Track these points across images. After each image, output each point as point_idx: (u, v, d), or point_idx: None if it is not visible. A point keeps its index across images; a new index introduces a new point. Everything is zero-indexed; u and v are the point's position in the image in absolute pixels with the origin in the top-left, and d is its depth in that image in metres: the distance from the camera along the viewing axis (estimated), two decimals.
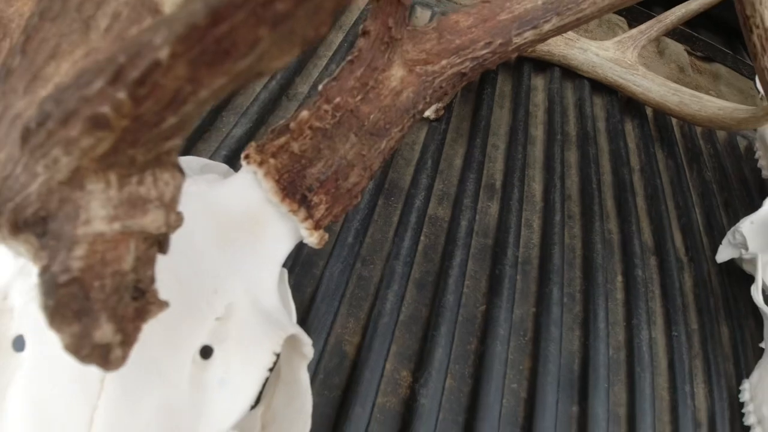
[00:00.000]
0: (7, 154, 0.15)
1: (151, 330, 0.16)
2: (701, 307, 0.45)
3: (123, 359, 0.13)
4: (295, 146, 0.20)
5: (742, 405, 0.40)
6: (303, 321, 0.32)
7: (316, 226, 0.21)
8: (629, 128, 0.63)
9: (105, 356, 0.13)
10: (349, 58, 0.22)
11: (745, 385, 0.40)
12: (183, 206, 0.14)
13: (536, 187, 0.49)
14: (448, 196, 0.44)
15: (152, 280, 0.14)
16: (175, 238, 0.15)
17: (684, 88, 0.59)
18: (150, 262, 0.14)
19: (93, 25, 0.16)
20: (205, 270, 0.18)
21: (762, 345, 0.42)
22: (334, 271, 0.34)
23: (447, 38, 0.23)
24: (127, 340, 0.13)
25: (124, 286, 0.13)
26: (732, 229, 0.45)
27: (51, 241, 0.13)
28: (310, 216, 0.21)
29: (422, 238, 0.40)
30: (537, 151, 0.54)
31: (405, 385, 0.32)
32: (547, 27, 0.23)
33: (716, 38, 0.92)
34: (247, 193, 0.21)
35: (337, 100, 0.22)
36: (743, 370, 0.42)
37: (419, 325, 0.35)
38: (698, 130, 0.67)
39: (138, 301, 0.14)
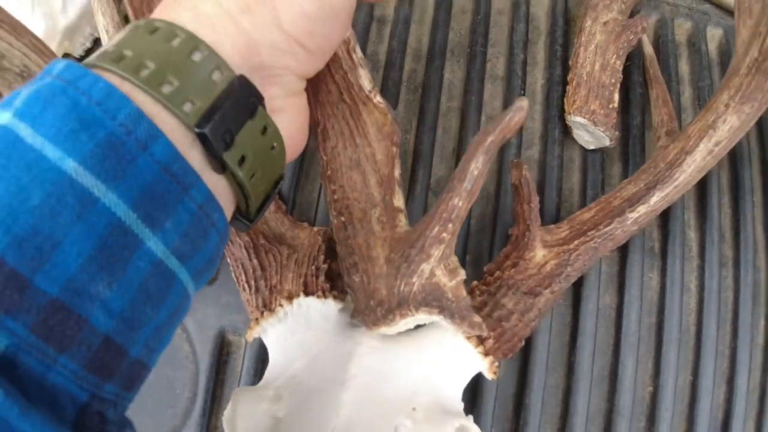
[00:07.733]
0: (387, 285, 0.28)
1: (369, 411, 0.27)
2: None
3: None
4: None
5: None
6: None
7: (486, 353, 0.29)
8: None
9: None
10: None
11: None
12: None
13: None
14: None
15: None
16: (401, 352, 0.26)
17: None
18: None
19: None
20: (413, 376, 0.29)
21: None
22: None
23: (576, 227, 0.32)
24: None
25: None
26: None
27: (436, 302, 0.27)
28: (482, 344, 0.30)
29: None
30: None
31: None
32: (653, 199, 0.31)
33: None
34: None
35: (497, 273, 0.32)
36: None
37: None
38: None
39: None
